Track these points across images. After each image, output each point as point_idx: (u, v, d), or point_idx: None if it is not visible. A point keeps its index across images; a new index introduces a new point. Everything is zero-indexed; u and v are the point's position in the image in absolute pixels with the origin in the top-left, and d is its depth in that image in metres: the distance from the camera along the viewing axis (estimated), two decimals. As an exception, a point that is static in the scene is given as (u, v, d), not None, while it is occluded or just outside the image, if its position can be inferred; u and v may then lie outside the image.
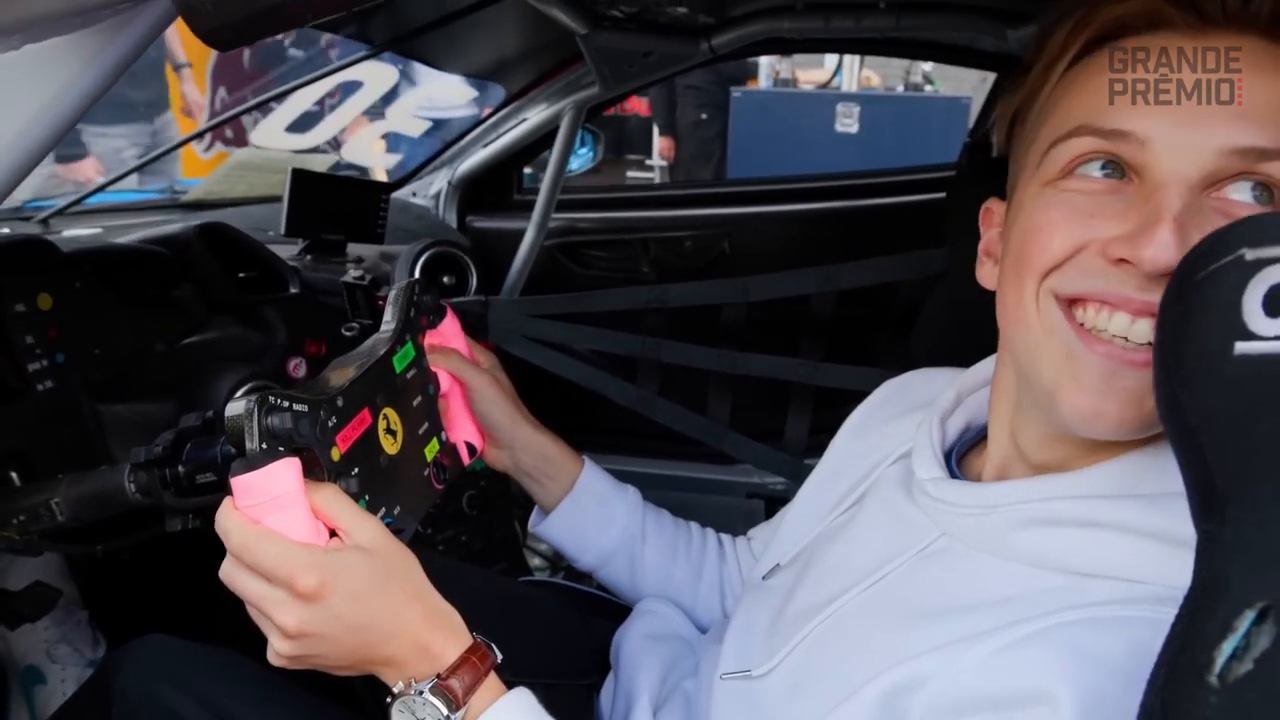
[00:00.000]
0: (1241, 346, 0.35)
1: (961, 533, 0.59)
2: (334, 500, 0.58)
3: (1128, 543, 0.51)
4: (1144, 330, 0.49)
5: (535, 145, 1.81)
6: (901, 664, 0.53)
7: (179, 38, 3.47)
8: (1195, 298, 0.37)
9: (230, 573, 0.57)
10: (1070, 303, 0.53)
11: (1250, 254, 0.34)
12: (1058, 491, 0.55)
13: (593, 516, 0.90)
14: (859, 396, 0.87)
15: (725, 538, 0.96)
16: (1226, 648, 0.33)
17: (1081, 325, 0.52)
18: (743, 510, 1.75)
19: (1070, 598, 0.51)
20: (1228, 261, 0.35)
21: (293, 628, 0.55)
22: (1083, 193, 0.52)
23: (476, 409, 0.86)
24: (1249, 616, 0.33)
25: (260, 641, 0.59)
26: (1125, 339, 0.50)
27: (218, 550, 0.58)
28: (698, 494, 1.78)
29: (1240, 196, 0.48)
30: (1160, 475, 0.52)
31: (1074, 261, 0.52)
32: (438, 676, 0.57)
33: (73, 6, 0.41)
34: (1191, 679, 0.33)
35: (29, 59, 0.44)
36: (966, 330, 0.94)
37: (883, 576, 0.62)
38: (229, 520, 0.56)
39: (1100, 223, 0.51)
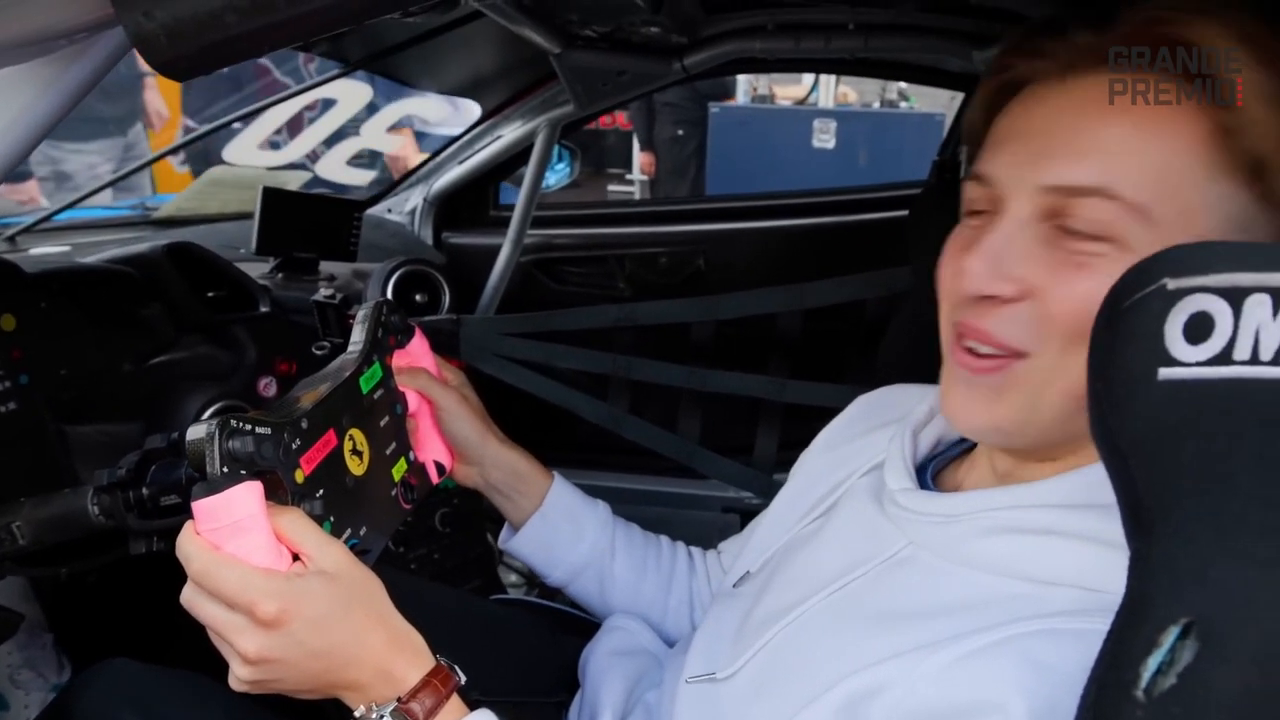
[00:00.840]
0: (1165, 372, 0.36)
1: (928, 541, 0.60)
2: (297, 524, 0.58)
3: (1086, 551, 0.52)
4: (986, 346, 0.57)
5: (511, 162, 1.83)
6: (862, 671, 0.54)
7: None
8: (1122, 325, 0.38)
9: (191, 598, 0.57)
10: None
11: (1172, 283, 0.36)
12: (1019, 500, 0.56)
13: (562, 532, 0.90)
14: (827, 413, 0.88)
15: (695, 551, 0.97)
16: (1152, 663, 0.34)
17: (958, 342, 0.59)
18: (718, 525, 1.76)
19: (1030, 605, 0.52)
20: (1151, 291, 0.36)
21: (253, 654, 0.55)
22: (968, 227, 0.60)
23: (445, 427, 0.86)
24: (1173, 632, 0.34)
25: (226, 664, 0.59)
26: (973, 351, 0.57)
27: (184, 573, 0.58)
28: (673, 509, 1.79)
29: (1074, 226, 0.53)
30: None
31: (952, 291, 0.59)
32: (398, 700, 0.57)
33: (27, 36, 0.42)
34: (1119, 694, 0.34)
35: (-16, 87, 0.44)
36: (931, 347, 0.95)
37: (849, 582, 0.62)
38: (189, 545, 0.56)
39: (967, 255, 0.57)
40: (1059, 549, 0.53)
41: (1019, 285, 0.54)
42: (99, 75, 0.44)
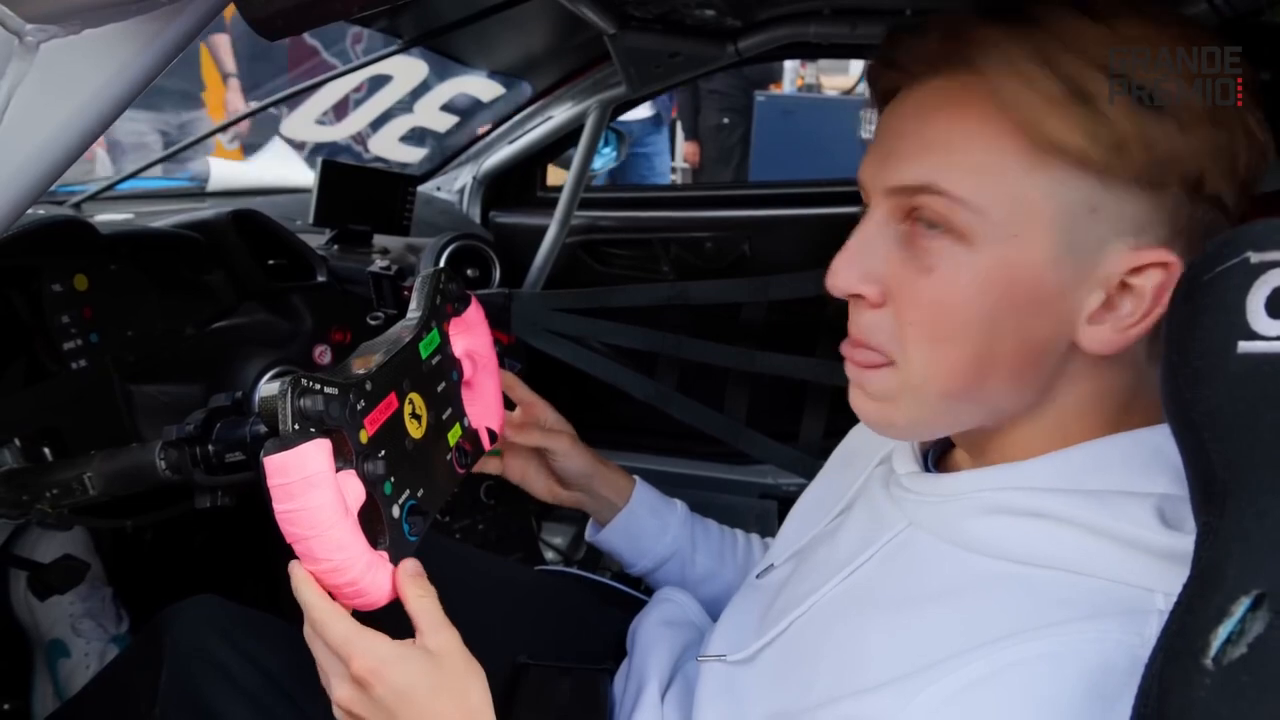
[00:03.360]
0: (1245, 346, 0.36)
1: (925, 521, 0.61)
2: (423, 602, 0.61)
3: (1070, 535, 0.52)
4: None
5: (560, 143, 1.83)
6: (857, 696, 0.53)
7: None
8: (1201, 298, 0.38)
9: (309, 636, 0.60)
10: None
11: (1255, 257, 0.36)
12: (1010, 481, 0.56)
13: (648, 525, 0.95)
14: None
15: (771, 541, 0.99)
16: (1222, 632, 0.34)
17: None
18: (755, 510, 1.76)
19: (1019, 592, 0.52)
20: (1233, 264, 0.36)
21: (341, 702, 0.59)
22: None
23: (559, 466, 0.93)
24: (1244, 603, 0.34)
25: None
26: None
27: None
28: (711, 493, 1.79)
29: (921, 215, 0.55)
30: (1104, 472, 0.54)
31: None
32: None
33: (131, -7, 0.43)
34: (1187, 661, 0.35)
35: (87, 43, 0.46)
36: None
37: (857, 568, 0.63)
38: (308, 592, 0.59)
39: None
40: (1045, 531, 0.53)
41: (879, 285, 0.57)
42: (196, 32, 0.46)
